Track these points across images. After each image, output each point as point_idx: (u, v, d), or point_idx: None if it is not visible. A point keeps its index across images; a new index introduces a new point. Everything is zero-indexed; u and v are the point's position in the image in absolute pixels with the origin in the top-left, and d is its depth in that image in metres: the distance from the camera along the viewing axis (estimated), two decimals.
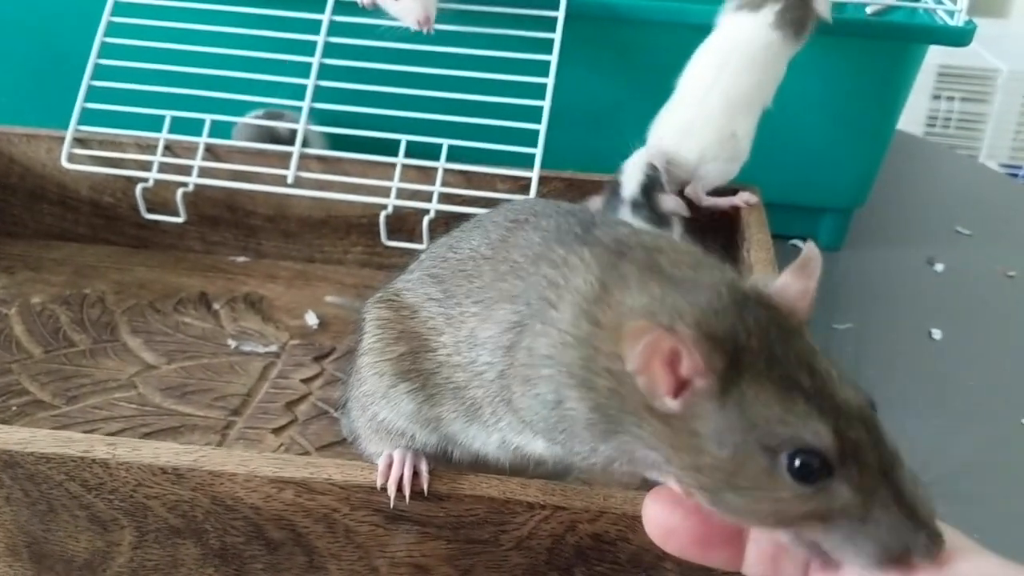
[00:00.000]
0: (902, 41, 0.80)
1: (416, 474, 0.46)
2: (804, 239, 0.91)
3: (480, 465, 0.48)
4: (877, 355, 0.77)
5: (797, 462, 0.31)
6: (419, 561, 0.47)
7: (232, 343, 0.72)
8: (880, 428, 0.32)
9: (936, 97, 2.23)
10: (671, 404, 0.33)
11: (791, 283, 0.35)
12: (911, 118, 2.21)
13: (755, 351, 0.32)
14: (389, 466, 0.46)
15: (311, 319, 0.75)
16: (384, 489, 0.46)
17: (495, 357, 0.42)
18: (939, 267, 0.90)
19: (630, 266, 0.38)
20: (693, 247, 0.41)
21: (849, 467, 0.31)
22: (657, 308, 0.35)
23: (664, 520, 0.35)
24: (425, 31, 0.75)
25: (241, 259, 0.83)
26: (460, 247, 0.48)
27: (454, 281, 0.47)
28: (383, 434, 0.49)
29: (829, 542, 0.32)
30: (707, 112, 0.73)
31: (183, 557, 0.49)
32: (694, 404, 0.33)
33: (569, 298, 0.39)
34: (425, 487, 0.46)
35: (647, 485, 0.38)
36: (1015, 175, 2.20)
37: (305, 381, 0.68)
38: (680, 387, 0.33)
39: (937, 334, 0.80)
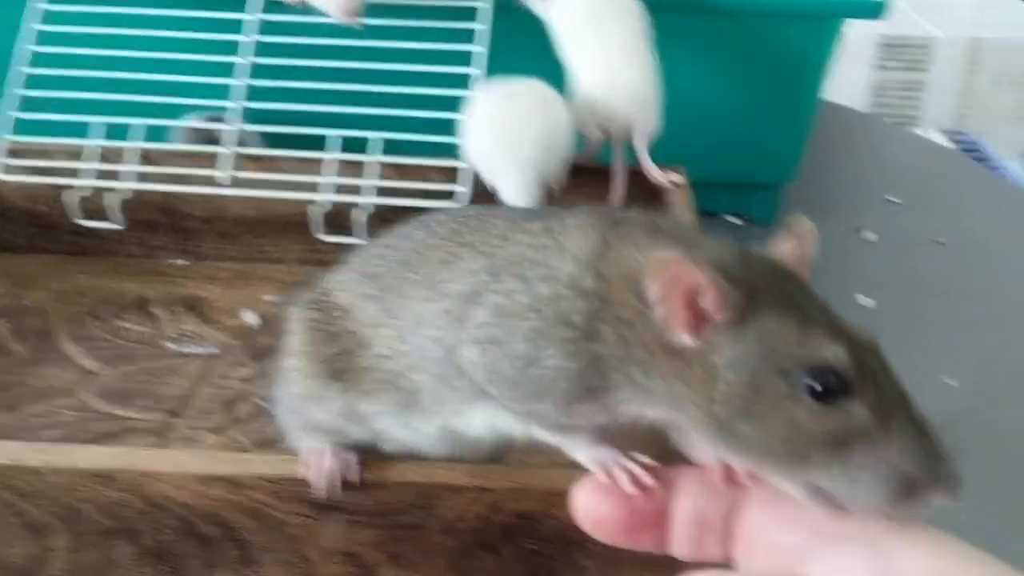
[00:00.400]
0: (815, 16, 0.82)
1: (344, 465, 0.47)
2: (738, 215, 0.94)
3: (413, 457, 0.49)
4: None
5: (815, 381, 0.32)
6: (350, 549, 0.48)
7: (171, 346, 0.73)
8: (889, 363, 0.33)
9: (878, 68, 2.27)
10: (687, 339, 0.34)
11: (789, 251, 0.37)
12: (854, 90, 2.24)
13: (767, 290, 0.34)
14: (317, 459, 0.47)
15: (251, 318, 0.76)
16: (313, 482, 0.47)
17: (444, 332, 0.43)
18: (869, 236, 0.92)
19: (631, 227, 0.39)
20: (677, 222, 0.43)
21: (867, 387, 0.32)
22: (682, 252, 0.36)
23: (593, 510, 0.36)
24: (353, 23, 0.76)
25: (180, 262, 0.84)
26: (400, 245, 0.49)
27: (395, 275, 0.48)
28: (314, 432, 0.50)
29: (841, 474, 0.32)
30: (617, 61, 0.75)
31: (118, 558, 0.49)
32: (712, 336, 0.34)
33: (567, 255, 0.39)
34: (353, 477, 0.47)
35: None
36: (959, 141, 2.24)
37: (244, 380, 0.69)
38: (698, 321, 0.34)
39: (866, 301, 0.82)
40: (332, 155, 0.77)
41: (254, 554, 0.49)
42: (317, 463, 0.47)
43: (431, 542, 0.48)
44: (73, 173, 0.79)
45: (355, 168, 0.78)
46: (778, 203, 0.94)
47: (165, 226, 0.83)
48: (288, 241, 0.83)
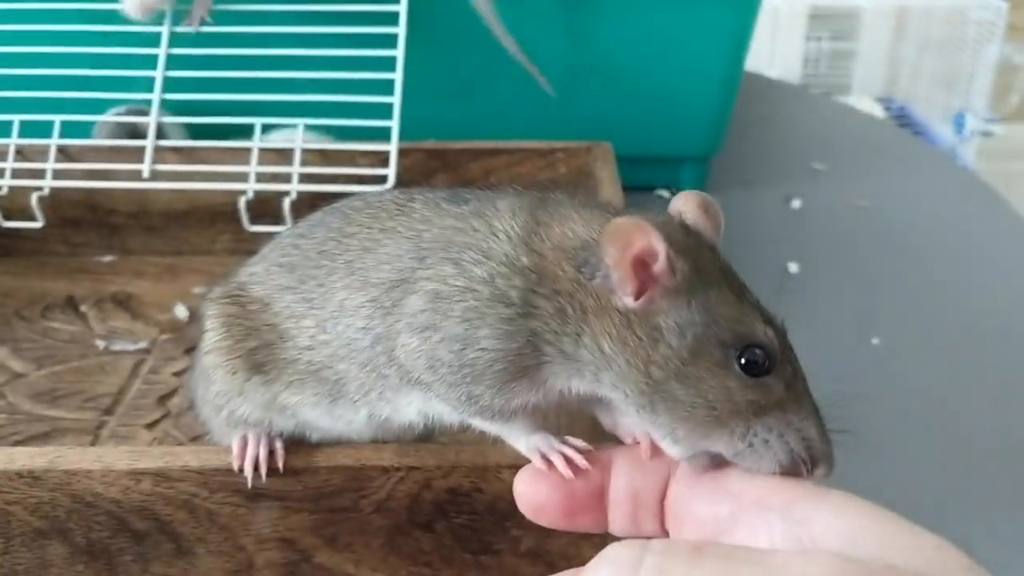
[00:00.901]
0: None
1: (271, 452, 0.47)
2: (669, 188, 0.95)
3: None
4: None
5: (748, 356, 0.35)
6: (284, 535, 0.48)
7: (101, 344, 0.72)
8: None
9: (809, 39, 2.30)
10: (634, 302, 0.36)
11: (702, 224, 0.39)
12: (788, 62, 2.28)
13: (706, 263, 0.37)
14: (244, 448, 0.47)
15: (181, 312, 0.75)
16: (241, 470, 0.47)
17: (372, 321, 0.43)
18: (796, 203, 0.94)
19: (559, 205, 0.40)
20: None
21: (784, 367, 0.35)
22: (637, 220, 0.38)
23: (532, 497, 0.38)
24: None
25: (108, 258, 0.83)
26: (314, 233, 0.48)
27: (311, 264, 0.47)
28: (240, 426, 0.49)
29: (752, 439, 0.35)
30: None
31: (52, 557, 0.49)
32: (658, 301, 0.36)
33: (500, 236, 0.40)
34: (280, 464, 0.47)
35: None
36: (889, 108, 2.29)
37: (177, 374, 0.69)
38: (647, 285, 0.36)
39: (793, 267, 0.84)
40: (258, 143, 0.77)
41: (188, 546, 0.49)
42: (242, 452, 0.47)
43: (365, 523, 0.48)
44: None
45: (282, 156, 0.78)
46: (707, 175, 0.95)
47: (89, 223, 0.82)
48: (216, 232, 0.82)
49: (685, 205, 0.39)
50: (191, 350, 0.71)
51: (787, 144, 1.08)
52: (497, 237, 0.40)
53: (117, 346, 0.72)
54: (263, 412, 0.48)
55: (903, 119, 2.18)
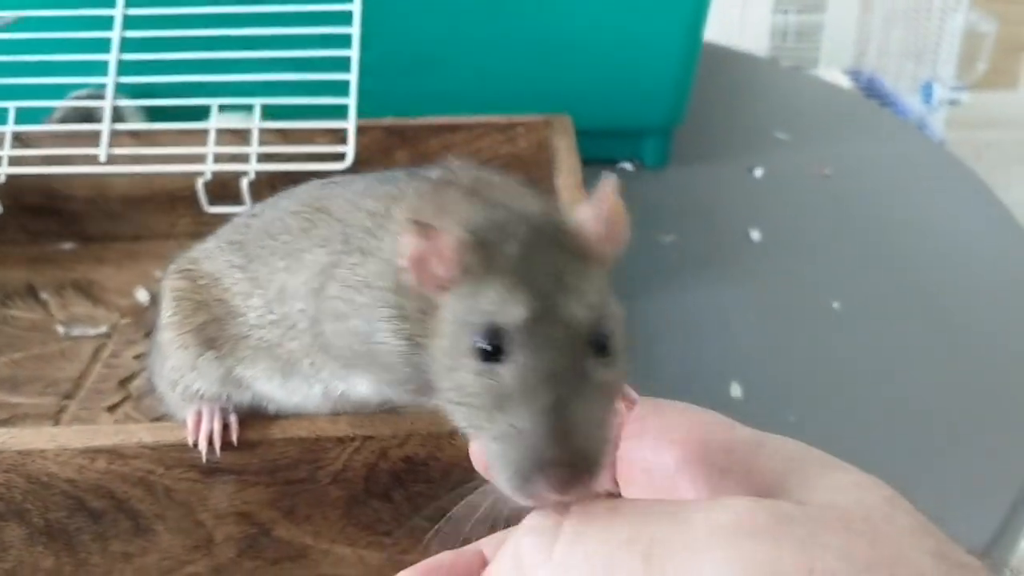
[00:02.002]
0: None
1: (226, 426, 0.47)
2: (631, 161, 0.95)
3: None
4: (698, 261, 0.81)
5: (480, 339, 0.31)
6: (242, 509, 0.49)
7: (62, 330, 0.71)
8: (580, 352, 0.30)
9: (776, 12, 2.31)
10: (434, 297, 0.34)
11: (588, 209, 0.35)
12: (755, 33, 2.28)
13: (505, 256, 0.33)
14: (199, 422, 0.47)
15: (142, 296, 0.75)
16: (195, 445, 0.47)
17: (307, 303, 0.43)
18: (758, 172, 0.95)
19: (453, 190, 0.39)
20: (523, 185, 0.42)
21: (518, 361, 0.30)
22: (434, 215, 0.36)
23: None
24: None
25: (68, 245, 0.82)
26: (264, 213, 0.49)
27: (258, 243, 0.48)
28: (195, 401, 0.49)
29: (489, 440, 0.31)
30: None
31: (10, 539, 0.49)
32: (447, 295, 0.33)
33: (391, 227, 0.40)
34: (234, 437, 0.47)
35: None
36: (857, 80, 2.30)
37: (137, 358, 0.68)
38: (438, 281, 0.34)
39: (755, 235, 0.85)
40: (215, 124, 0.76)
41: (147, 523, 0.49)
42: (197, 426, 0.47)
43: (322, 495, 0.48)
44: None
45: (240, 136, 0.77)
46: (669, 148, 0.95)
47: (48, 210, 0.81)
48: (176, 216, 0.82)
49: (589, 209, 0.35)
50: (151, 333, 0.71)
51: (751, 115, 1.08)
52: (389, 229, 0.40)
53: (77, 331, 0.71)
54: (219, 387, 0.48)
55: (872, 91, 2.19)
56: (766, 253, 0.83)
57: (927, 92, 2.14)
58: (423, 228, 0.33)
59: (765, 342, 0.72)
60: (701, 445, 0.32)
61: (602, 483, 0.29)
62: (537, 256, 0.33)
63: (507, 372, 0.30)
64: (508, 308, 0.31)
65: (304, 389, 0.47)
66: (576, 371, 0.30)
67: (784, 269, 0.81)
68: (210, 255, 0.49)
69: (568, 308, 0.31)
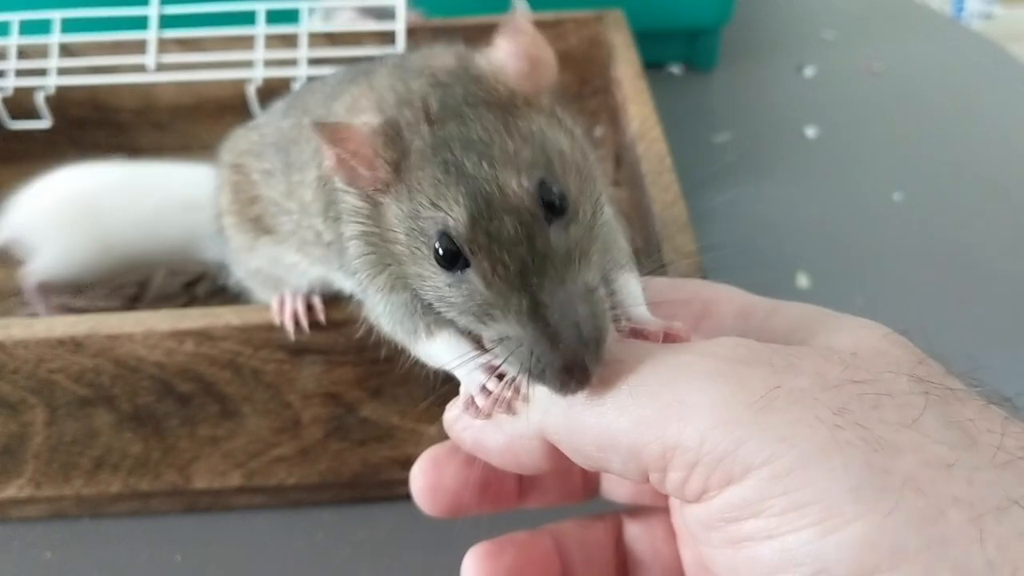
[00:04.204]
0: None
1: (310, 307, 0.47)
2: (679, 64, 0.93)
3: None
4: (755, 158, 0.80)
5: (438, 247, 0.30)
6: (329, 389, 0.49)
7: None
8: (536, 229, 0.29)
9: None
10: (359, 201, 0.33)
11: (504, 47, 0.33)
12: None
13: (429, 135, 0.31)
14: (282, 304, 0.47)
15: None
16: (283, 325, 0.47)
17: (321, 224, 0.42)
18: (808, 72, 0.93)
19: (381, 70, 0.37)
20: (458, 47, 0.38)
21: (481, 261, 0.29)
22: (353, 104, 0.35)
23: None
24: None
25: (117, 157, 0.81)
26: (289, 113, 0.48)
27: (290, 151, 0.46)
28: (264, 281, 0.50)
29: (491, 341, 0.30)
30: None
31: (99, 426, 0.49)
32: (384, 195, 0.32)
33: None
34: (322, 317, 0.47)
35: None
36: None
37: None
38: (365, 181, 0.32)
39: (811, 132, 0.83)
40: (263, 30, 0.75)
41: (234, 406, 0.49)
42: (281, 308, 0.47)
43: (408, 374, 0.48)
44: None
45: (288, 41, 0.76)
46: (717, 49, 0.94)
47: (96, 122, 0.81)
48: (224, 125, 0.79)
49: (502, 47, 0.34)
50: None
51: (795, 14, 1.06)
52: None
53: None
54: (280, 271, 0.48)
55: None
56: (823, 149, 0.82)
57: (959, 5, 2.09)
58: (331, 130, 0.31)
59: (829, 233, 0.72)
60: (717, 315, 0.33)
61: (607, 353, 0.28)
62: (455, 127, 0.31)
63: (475, 279, 0.29)
64: (448, 211, 0.29)
65: (349, 285, 0.46)
66: (540, 251, 0.29)
67: (842, 164, 0.80)
68: (256, 153, 0.49)
69: (507, 186, 0.29)
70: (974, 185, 0.77)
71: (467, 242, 0.29)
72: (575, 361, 0.28)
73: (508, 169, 0.30)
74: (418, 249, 0.31)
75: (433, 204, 0.30)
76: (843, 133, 0.84)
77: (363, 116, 0.33)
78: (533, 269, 0.29)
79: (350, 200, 0.35)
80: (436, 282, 0.31)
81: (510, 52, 0.33)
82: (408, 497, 0.37)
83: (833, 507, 0.24)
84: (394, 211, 0.31)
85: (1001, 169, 0.78)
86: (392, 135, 0.31)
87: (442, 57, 0.35)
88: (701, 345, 0.29)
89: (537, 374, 0.28)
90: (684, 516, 0.29)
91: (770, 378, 0.26)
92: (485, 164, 0.30)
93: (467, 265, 0.29)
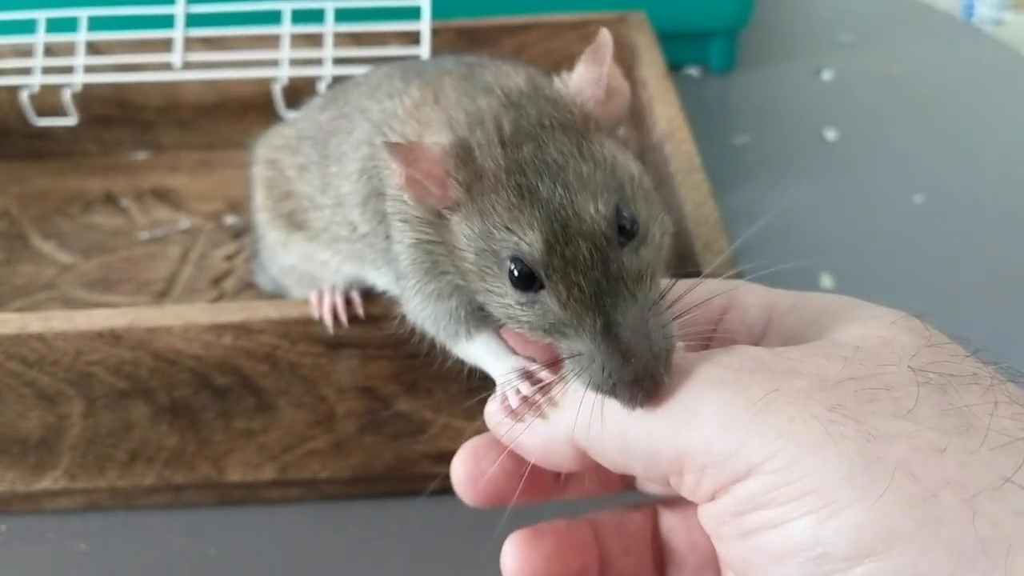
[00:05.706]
0: None
1: (348, 302, 0.48)
2: (697, 66, 0.94)
3: None
4: (775, 161, 0.80)
5: (513, 269, 0.31)
6: (365, 383, 0.49)
7: (146, 235, 0.72)
8: (611, 253, 0.30)
9: None
10: (438, 214, 0.33)
11: (583, 73, 0.34)
12: None
13: (502, 157, 0.32)
14: (320, 298, 0.48)
15: (221, 205, 0.75)
16: (321, 319, 0.47)
17: (358, 216, 0.43)
18: (826, 75, 0.93)
19: (447, 80, 0.38)
20: (518, 64, 0.39)
21: (557, 284, 0.30)
22: (415, 111, 0.35)
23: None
24: None
25: (141, 155, 0.82)
26: (328, 106, 0.48)
27: (321, 144, 0.47)
28: (299, 278, 0.51)
29: (565, 353, 0.31)
30: None
31: (135, 418, 0.50)
32: (453, 213, 0.33)
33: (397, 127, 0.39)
34: (360, 311, 0.47)
35: None
36: None
37: (227, 258, 0.69)
38: (436, 199, 0.33)
39: (830, 135, 0.84)
40: (288, 29, 0.76)
41: (270, 399, 0.49)
42: (320, 302, 0.47)
43: (444, 369, 0.49)
44: (20, 71, 0.76)
45: (313, 41, 0.77)
46: (735, 51, 0.94)
47: (120, 120, 0.81)
48: (248, 124, 0.80)
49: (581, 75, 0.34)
50: (239, 235, 0.71)
51: (812, 18, 1.06)
52: (392, 127, 0.38)
53: (161, 232, 0.72)
54: (314, 268, 0.49)
55: None
56: (843, 151, 0.82)
57: (968, 10, 2.10)
58: (404, 151, 0.32)
59: (852, 235, 0.72)
60: (742, 307, 0.34)
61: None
62: (529, 150, 0.31)
63: (550, 301, 0.30)
64: (522, 236, 0.30)
65: (379, 280, 0.47)
66: (614, 274, 0.30)
67: (862, 166, 0.80)
68: (292, 148, 0.49)
69: (584, 212, 0.30)
70: (995, 187, 0.77)
71: (543, 266, 0.30)
72: (645, 375, 0.29)
73: (584, 194, 0.31)
74: (489, 268, 0.32)
75: (507, 228, 0.31)
76: (862, 136, 0.84)
77: (432, 134, 0.34)
78: (607, 290, 0.30)
79: (408, 209, 0.35)
80: (508, 300, 0.32)
81: (590, 79, 0.33)
82: (441, 491, 0.38)
83: (829, 495, 0.25)
84: (463, 230, 0.32)
85: (1022, 170, 0.79)
86: (464, 156, 0.32)
87: (513, 77, 0.36)
88: (712, 355, 0.30)
89: (608, 389, 0.30)
90: (701, 517, 0.30)
91: (769, 382, 0.28)
92: (560, 188, 0.31)
93: (541, 287, 0.30)
